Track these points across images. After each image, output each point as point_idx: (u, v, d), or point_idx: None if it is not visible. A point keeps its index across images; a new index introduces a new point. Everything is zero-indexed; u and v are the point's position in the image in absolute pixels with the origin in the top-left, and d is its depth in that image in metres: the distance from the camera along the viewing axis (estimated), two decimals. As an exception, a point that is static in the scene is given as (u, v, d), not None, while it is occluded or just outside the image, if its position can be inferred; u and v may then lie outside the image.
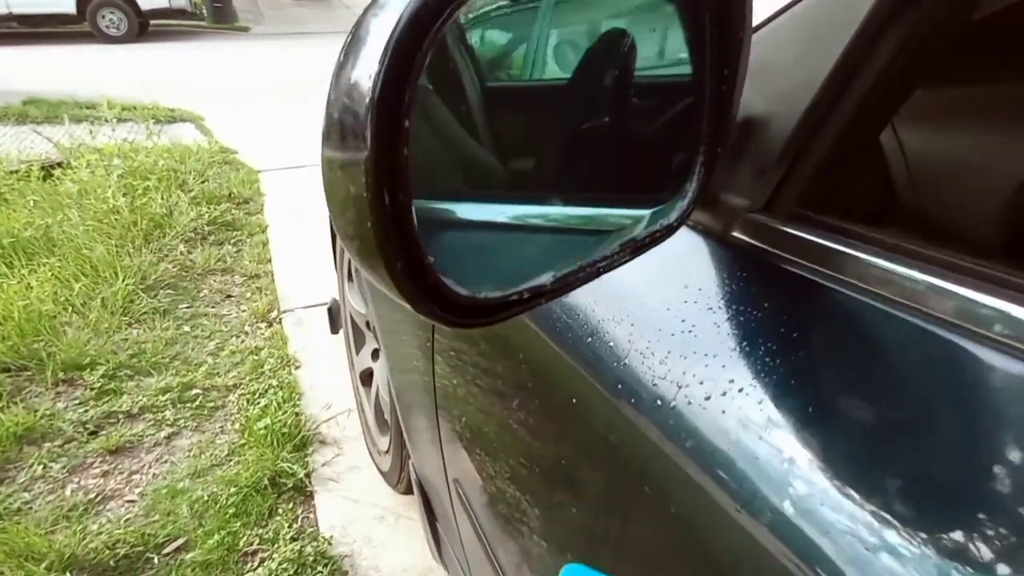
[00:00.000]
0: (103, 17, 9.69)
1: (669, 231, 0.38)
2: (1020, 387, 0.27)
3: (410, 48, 0.20)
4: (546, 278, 0.29)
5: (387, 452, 1.64)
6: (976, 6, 0.41)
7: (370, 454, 1.81)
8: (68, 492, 1.71)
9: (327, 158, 0.22)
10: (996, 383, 0.26)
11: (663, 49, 0.35)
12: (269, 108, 5.87)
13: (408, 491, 1.59)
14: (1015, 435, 0.25)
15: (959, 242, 0.61)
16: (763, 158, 0.43)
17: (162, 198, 3.37)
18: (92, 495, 1.71)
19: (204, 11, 11.61)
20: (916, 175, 0.62)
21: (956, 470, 0.30)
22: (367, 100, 0.20)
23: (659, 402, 0.42)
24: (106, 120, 4.44)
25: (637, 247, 0.36)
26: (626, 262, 0.35)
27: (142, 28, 10.17)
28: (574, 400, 0.53)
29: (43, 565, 1.45)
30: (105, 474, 1.79)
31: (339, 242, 1.87)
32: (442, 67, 0.23)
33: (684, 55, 0.34)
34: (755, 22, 0.46)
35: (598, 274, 0.32)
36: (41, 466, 1.77)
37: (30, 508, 1.65)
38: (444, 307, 0.25)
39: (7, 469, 1.78)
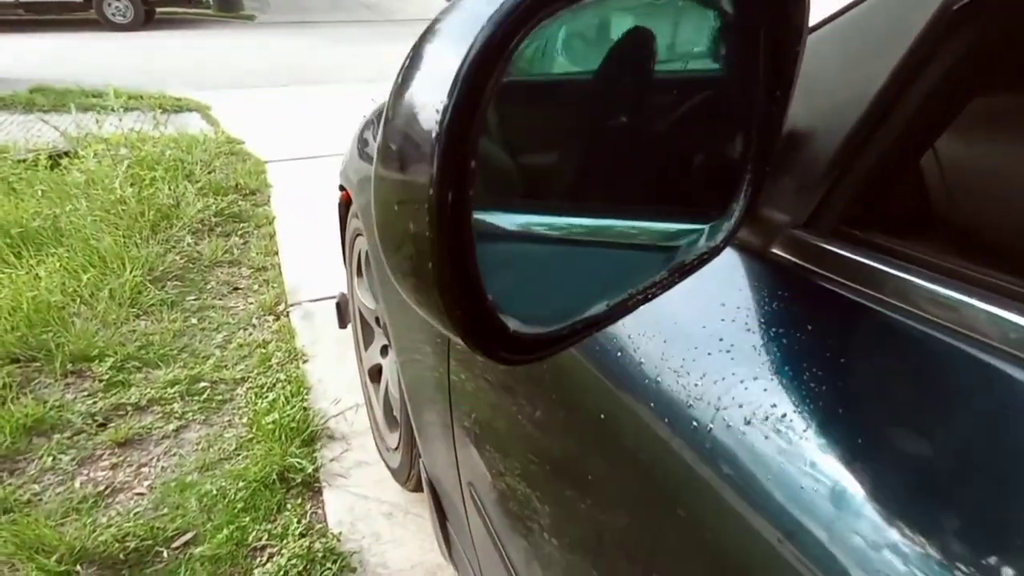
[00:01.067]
0: (109, 5, 9.65)
1: (716, 251, 0.37)
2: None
3: (481, 79, 0.19)
4: (599, 308, 0.28)
5: (396, 449, 1.63)
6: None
7: (378, 451, 1.81)
8: (77, 484, 1.72)
9: (383, 189, 0.21)
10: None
11: (717, 64, 0.33)
12: (275, 97, 5.85)
13: (417, 488, 1.59)
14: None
15: (996, 257, 0.60)
16: (806, 173, 0.41)
17: (169, 189, 3.36)
18: (101, 487, 1.72)
19: (210, -1, 11.56)
20: (951, 186, 0.60)
21: (1008, 507, 0.29)
22: (433, 135, 0.19)
23: (695, 424, 0.41)
24: (112, 109, 4.43)
25: (685, 270, 0.34)
26: (675, 285, 0.34)
27: (148, 16, 10.13)
28: (602, 416, 0.52)
29: (53, 558, 1.45)
30: (114, 466, 1.80)
31: (348, 236, 1.86)
32: (505, 87, 0.22)
33: (736, 71, 0.33)
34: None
35: (647, 300, 0.31)
36: (51, 458, 1.77)
37: (40, 500, 1.65)
38: (506, 346, 0.24)
39: (17, 460, 1.79)
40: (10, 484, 1.69)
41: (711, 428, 0.39)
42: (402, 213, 0.20)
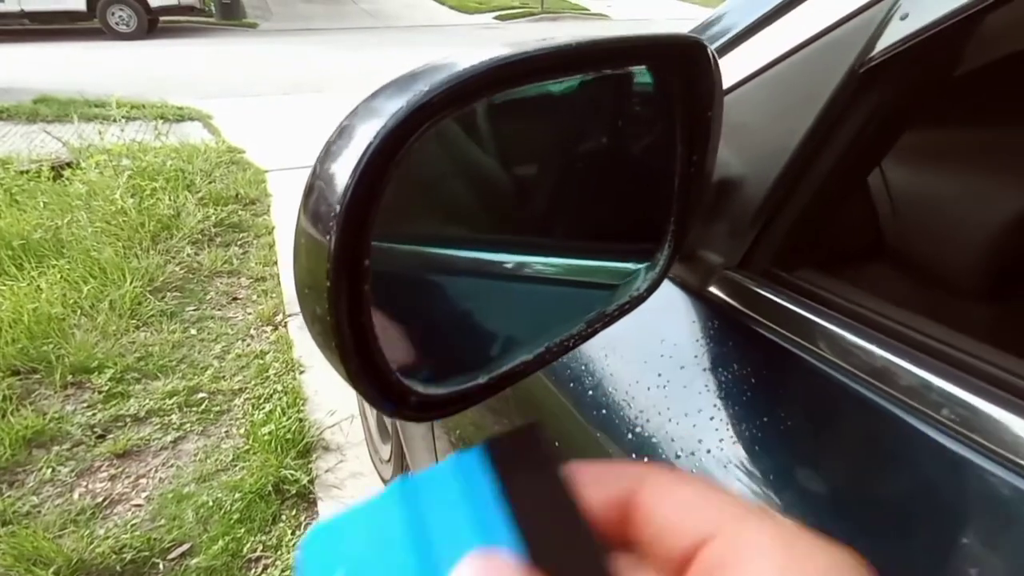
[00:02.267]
0: (113, 14, 9.75)
1: (638, 301, 0.39)
2: (959, 472, 0.28)
3: (383, 162, 0.21)
4: (513, 361, 0.30)
5: (389, 461, 1.66)
6: (958, 65, 0.41)
7: (372, 461, 1.84)
8: (76, 496, 1.75)
9: (300, 226, 0.23)
10: (938, 466, 0.27)
11: (638, 129, 0.35)
12: (277, 106, 5.90)
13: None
14: (951, 522, 0.26)
15: (945, 283, 0.62)
16: (739, 217, 0.44)
17: (170, 199, 3.40)
18: (99, 499, 1.74)
19: (213, 8, 11.65)
20: (902, 214, 0.62)
21: (899, 545, 0.31)
22: (337, 202, 0.21)
23: (632, 457, 0.43)
24: (115, 120, 4.48)
25: (606, 322, 0.37)
26: (594, 335, 0.36)
27: (152, 25, 10.23)
28: (556, 443, 0.54)
29: (51, 570, 1.48)
30: (112, 478, 1.83)
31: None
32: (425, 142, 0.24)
33: (656, 135, 0.35)
34: (737, 79, 0.46)
35: (565, 352, 0.33)
36: (50, 469, 1.80)
37: (39, 512, 1.68)
38: (417, 407, 0.26)
39: (16, 472, 1.82)
40: (9, 496, 1.72)
41: (646, 462, 0.42)
42: (309, 297, 0.23)
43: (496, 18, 14.23)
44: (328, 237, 0.20)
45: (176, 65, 8.11)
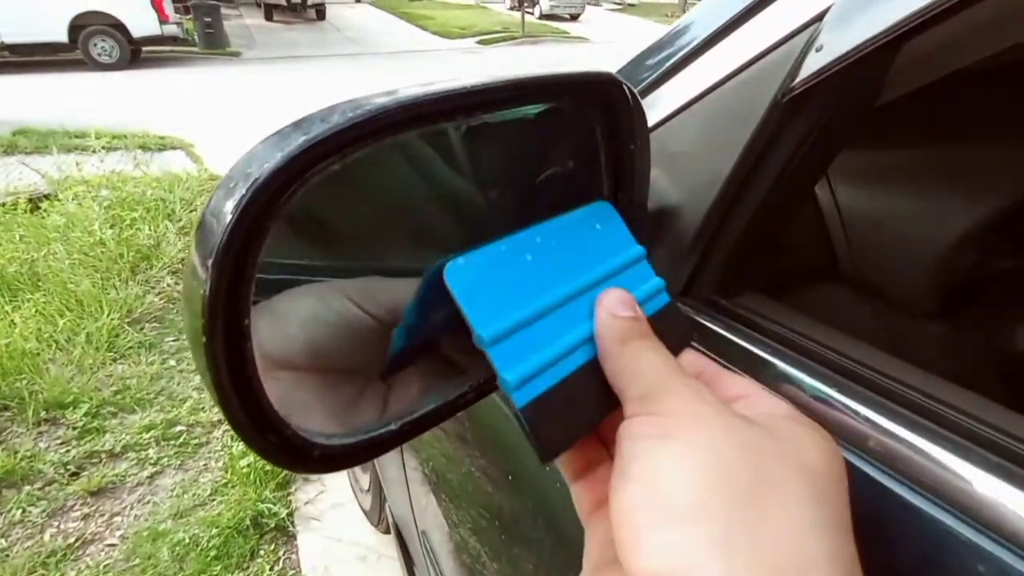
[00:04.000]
0: (95, 45, 9.78)
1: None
2: (881, 502, 0.28)
3: (255, 217, 0.21)
4: (428, 406, 0.29)
5: (368, 490, 1.63)
6: (879, 91, 0.42)
7: (353, 491, 1.81)
8: (47, 537, 1.70)
9: (188, 259, 0.22)
10: (863, 495, 0.27)
11: (562, 159, 0.35)
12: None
13: (389, 531, 1.58)
14: (871, 552, 0.25)
15: (895, 303, 0.62)
16: (677, 246, 0.44)
17: (149, 229, 3.37)
18: (72, 539, 1.70)
19: (196, 37, 11.72)
20: (851, 232, 0.63)
21: None
22: (214, 247, 0.20)
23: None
24: (94, 150, 4.46)
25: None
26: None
27: (134, 55, 10.26)
28: (510, 476, 0.53)
29: (19, 616, 1.43)
30: (86, 517, 1.78)
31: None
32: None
33: (582, 166, 0.35)
34: (672, 109, 0.47)
35: (494, 390, 0.32)
36: (20, 510, 1.75)
37: (7, 556, 1.63)
38: (307, 459, 0.24)
39: (-15, 514, 1.77)
40: (-23, 540, 1.67)
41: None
42: (193, 351, 0.22)
43: (478, 43, 14.43)
44: (203, 291, 0.20)
45: (159, 95, 8.13)
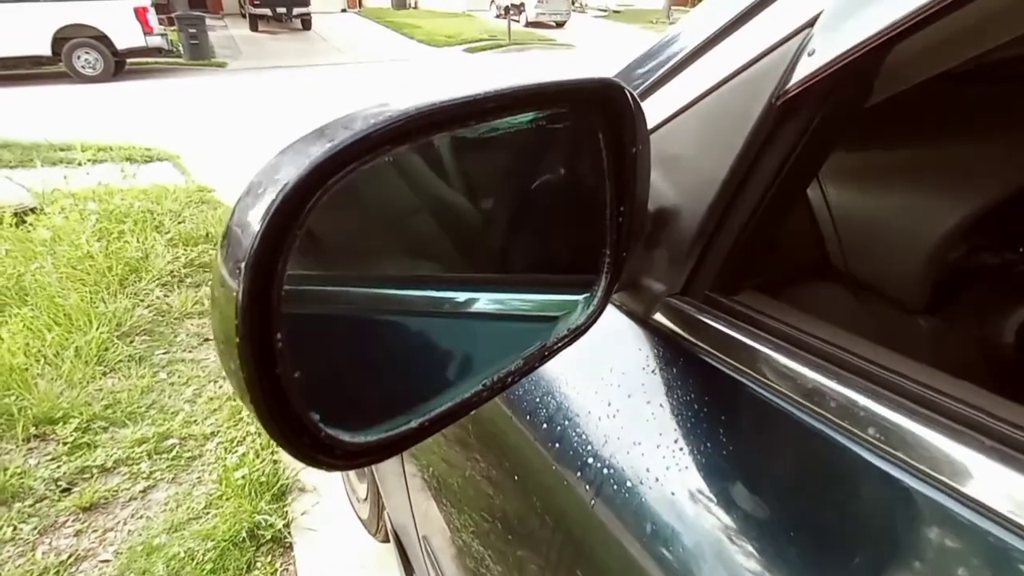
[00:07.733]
0: (79, 57, 9.71)
1: (579, 332, 0.40)
2: (884, 488, 0.29)
3: (285, 222, 0.22)
4: (448, 403, 0.30)
5: (365, 500, 1.62)
6: (869, 93, 0.43)
7: (349, 501, 1.80)
8: (39, 555, 1.67)
9: (214, 283, 0.22)
10: (866, 482, 0.28)
11: (569, 164, 0.36)
12: (246, 143, 5.88)
13: (387, 539, 1.57)
14: (875, 537, 0.26)
15: (887, 299, 0.63)
16: (677, 245, 0.45)
17: (138, 241, 3.35)
18: (64, 556, 1.67)
19: (181, 48, 11.66)
20: (842, 231, 0.64)
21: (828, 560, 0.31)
22: (246, 252, 0.21)
23: (587, 488, 0.43)
24: (80, 163, 4.43)
25: (546, 356, 0.37)
26: (535, 369, 0.36)
27: (119, 67, 10.19)
28: (516, 477, 0.54)
29: (12, 635, 1.41)
30: (78, 533, 1.76)
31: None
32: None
33: (587, 170, 0.36)
34: (669, 113, 0.48)
35: (505, 388, 0.33)
36: (11, 528, 1.73)
37: (-1, 574, 1.61)
38: (331, 455, 0.25)
39: (-25, 533, 1.74)
40: (-33, 560, 1.64)
41: (596, 499, 0.42)
42: (224, 353, 0.23)
43: (466, 51, 14.47)
44: (235, 294, 0.20)
45: (144, 107, 8.08)
